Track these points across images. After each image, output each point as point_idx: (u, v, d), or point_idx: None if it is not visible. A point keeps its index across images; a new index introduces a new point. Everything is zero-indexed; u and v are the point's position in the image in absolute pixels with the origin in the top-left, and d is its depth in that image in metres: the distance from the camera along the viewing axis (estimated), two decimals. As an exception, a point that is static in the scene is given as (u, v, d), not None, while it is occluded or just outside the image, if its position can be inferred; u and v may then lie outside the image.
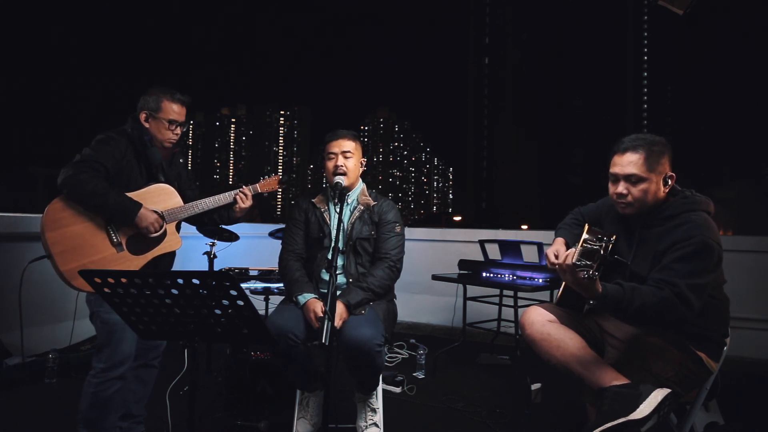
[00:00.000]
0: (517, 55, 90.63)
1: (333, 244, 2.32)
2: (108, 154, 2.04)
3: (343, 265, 2.39)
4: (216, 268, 3.58)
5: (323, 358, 1.90)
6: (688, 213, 1.81)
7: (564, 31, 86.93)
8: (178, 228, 2.24)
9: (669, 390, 1.67)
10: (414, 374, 3.46)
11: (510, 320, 3.83)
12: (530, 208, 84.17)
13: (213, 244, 3.54)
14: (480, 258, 3.78)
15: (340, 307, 2.18)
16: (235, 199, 2.35)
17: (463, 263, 3.74)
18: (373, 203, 2.47)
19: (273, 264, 2.90)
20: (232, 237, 3.32)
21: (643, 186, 1.83)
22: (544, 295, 3.64)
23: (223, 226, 2.73)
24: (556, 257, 1.81)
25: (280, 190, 2.54)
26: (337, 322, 2.13)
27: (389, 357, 3.81)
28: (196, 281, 1.37)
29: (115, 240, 2.04)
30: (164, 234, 2.15)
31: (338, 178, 2.36)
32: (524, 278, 3.30)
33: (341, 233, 2.38)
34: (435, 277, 3.68)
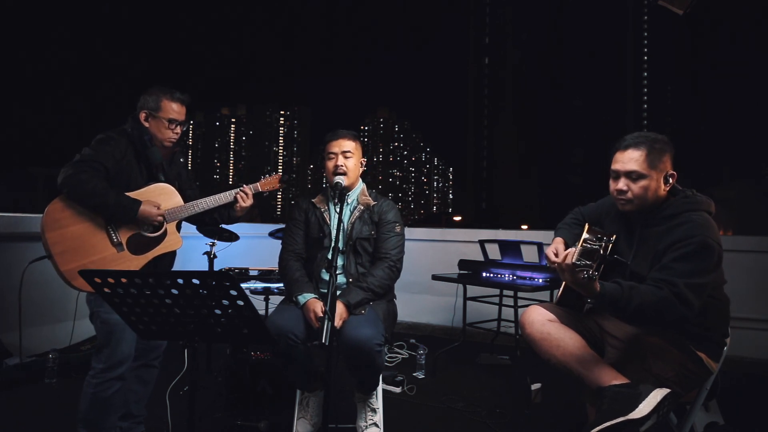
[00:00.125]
0: (517, 55, 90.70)
1: (333, 244, 2.32)
2: (108, 154, 2.04)
3: (343, 265, 2.39)
4: (216, 268, 3.58)
5: (323, 358, 1.90)
6: (688, 212, 1.81)
7: (564, 31, 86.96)
8: (178, 228, 2.23)
9: (668, 390, 1.67)
10: (414, 374, 3.46)
11: (510, 320, 3.83)
12: (530, 208, 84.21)
13: (213, 244, 3.54)
14: (480, 258, 3.78)
15: (340, 307, 2.18)
16: (235, 198, 2.34)
17: (463, 263, 3.74)
18: (373, 203, 2.47)
19: (273, 264, 2.90)
20: (232, 237, 3.32)
21: (643, 183, 1.83)
22: (544, 295, 3.64)
23: (224, 226, 2.73)
24: (556, 255, 1.81)
25: (280, 189, 2.54)
26: (337, 322, 2.13)
27: (389, 357, 3.81)
28: (196, 281, 1.37)
29: (116, 240, 2.04)
30: (164, 233, 2.15)
31: (338, 178, 2.36)
32: (524, 278, 3.30)
33: (341, 233, 2.38)
34: (435, 277, 3.68)
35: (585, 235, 1.66)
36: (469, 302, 3.72)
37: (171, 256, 2.25)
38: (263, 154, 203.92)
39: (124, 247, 2.06)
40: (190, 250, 3.65)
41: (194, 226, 2.74)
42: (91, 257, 1.98)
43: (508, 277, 3.39)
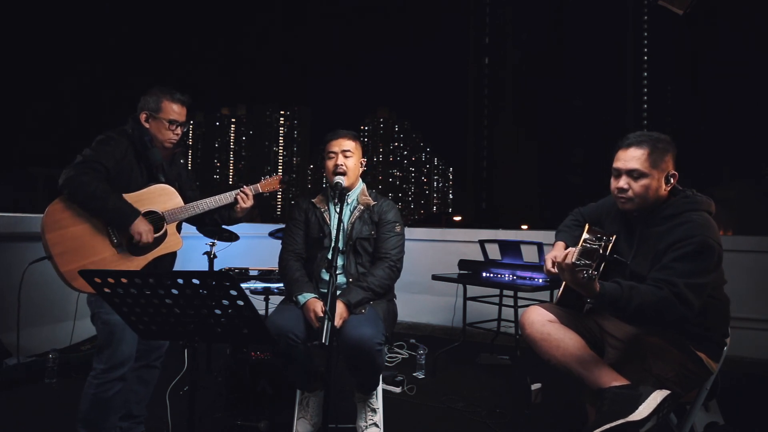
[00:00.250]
0: (517, 55, 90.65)
1: (333, 244, 2.32)
2: (109, 155, 2.04)
3: (343, 265, 2.39)
4: (216, 268, 3.58)
5: (323, 358, 1.90)
6: (689, 212, 1.81)
7: (564, 31, 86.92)
8: (178, 228, 2.24)
9: (668, 391, 1.67)
10: (414, 374, 3.46)
11: (510, 320, 3.83)
12: (530, 208, 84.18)
13: (213, 244, 3.54)
14: (480, 258, 3.78)
15: (340, 307, 2.18)
16: (236, 199, 2.34)
17: (463, 263, 3.74)
18: (373, 203, 2.47)
19: (273, 264, 2.90)
20: (232, 237, 3.32)
21: (644, 182, 1.83)
22: (544, 295, 3.64)
23: (224, 226, 2.74)
24: (554, 264, 1.81)
25: (280, 189, 2.54)
26: (337, 322, 2.13)
27: (389, 357, 3.81)
28: (196, 281, 1.37)
29: (116, 240, 2.04)
30: (165, 234, 2.15)
31: (338, 178, 2.36)
32: (524, 278, 3.30)
33: (341, 233, 2.38)
34: (435, 277, 3.68)
35: (585, 235, 1.66)
36: (469, 302, 3.72)
37: (171, 257, 2.25)
38: (263, 154, 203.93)
39: (125, 247, 2.06)
40: (190, 250, 3.65)
41: (194, 227, 2.74)
42: (92, 258, 1.98)
43: (508, 277, 3.39)
